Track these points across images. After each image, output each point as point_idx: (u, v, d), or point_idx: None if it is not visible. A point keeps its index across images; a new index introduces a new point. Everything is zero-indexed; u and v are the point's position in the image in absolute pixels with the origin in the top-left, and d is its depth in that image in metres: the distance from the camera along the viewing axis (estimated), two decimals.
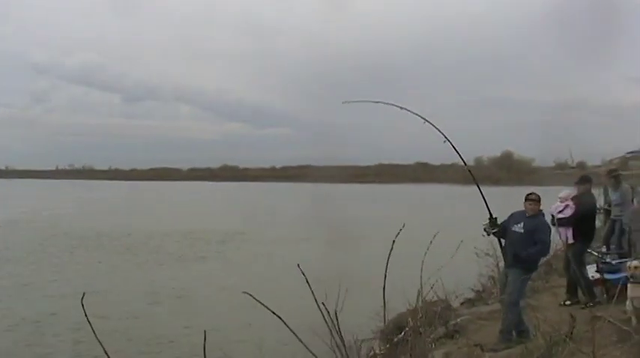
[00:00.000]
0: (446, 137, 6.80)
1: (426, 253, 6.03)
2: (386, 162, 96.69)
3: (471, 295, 11.35)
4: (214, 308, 12.54)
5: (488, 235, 7.07)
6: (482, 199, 6.94)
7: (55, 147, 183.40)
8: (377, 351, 7.58)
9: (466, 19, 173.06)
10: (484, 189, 6.98)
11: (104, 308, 11.47)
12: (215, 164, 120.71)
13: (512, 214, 6.93)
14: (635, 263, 6.05)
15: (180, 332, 10.52)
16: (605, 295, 7.87)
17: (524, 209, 6.82)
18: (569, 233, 8.22)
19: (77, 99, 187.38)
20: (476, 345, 6.70)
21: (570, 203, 8.28)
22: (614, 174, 10.69)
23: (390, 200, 40.39)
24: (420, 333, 7.00)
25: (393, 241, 4.69)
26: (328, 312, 4.20)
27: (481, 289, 11.38)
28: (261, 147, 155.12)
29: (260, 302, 4.12)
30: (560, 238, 8.15)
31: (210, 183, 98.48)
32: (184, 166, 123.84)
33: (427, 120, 6.83)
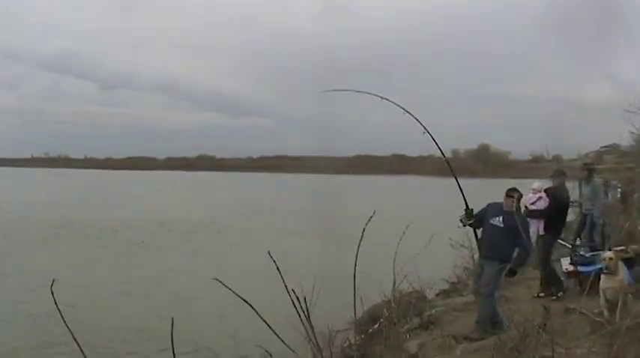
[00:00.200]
0: (425, 128, 6.80)
1: (398, 243, 6.03)
2: (362, 153, 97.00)
3: (446, 286, 11.42)
4: (187, 298, 12.40)
5: (464, 226, 7.09)
6: (460, 191, 6.95)
7: (29, 135, 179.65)
8: (352, 342, 7.56)
9: (442, 14, 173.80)
10: (461, 181, 7.00)
11: (73, 297, 11.29)
12: (192, 154, 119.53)
13: (488, 205, 6.94)
14: (608, 254, 6.11)
15: (151, 321, 10.38)
16: (578, 287, 7.96)
17: (501, 202, 6.83)
18: (541, 225, 8.30)
19: (52, 86, 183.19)
20: (450, 336, 6.72)
21: (543, 195, 8.35)
22: (588, 167, 10.83)
23: (368, 191, 40.44)
24: (395, 324, 7.03)
25: (363, 229, 4.67)
26: (298, 299, 4.15)
27: (456, 280, 11.45)
28: (237, 137, 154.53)
29: (231, 290, 4.05)
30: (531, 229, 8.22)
31: (186, 172, 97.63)
32: (161, 155, 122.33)
33: (407, 111, 6.83)
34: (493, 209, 6.84)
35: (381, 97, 7.00)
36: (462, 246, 10.51)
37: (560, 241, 9.89)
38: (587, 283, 6.40)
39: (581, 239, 10.49)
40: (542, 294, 8.19)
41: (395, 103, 6.91)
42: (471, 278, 8.87)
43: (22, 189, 47.38)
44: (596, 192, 10.53)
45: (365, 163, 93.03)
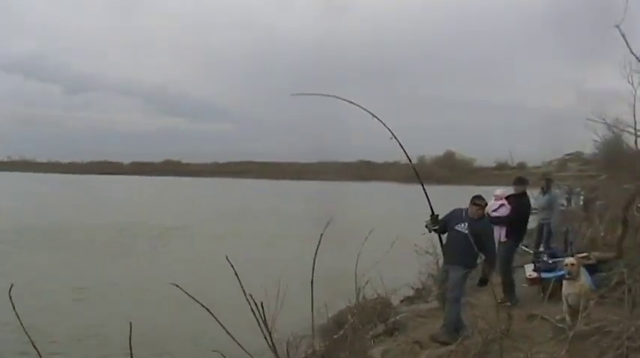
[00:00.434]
0: (393, 134, 6.81)
1: (360, 249, 5.97)
2: (328, 159, 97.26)
3: (411, 293, 11.47)
4: (147, 303, 12.13)
5: (430, 232, 7.10)
6: (425, 197, 6.96)
7: None
8: (316, 348, 7.48)
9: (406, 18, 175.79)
10: (427, 187, 7.02)
11: (30, 303, 10.87)
12: (157, 158, 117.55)
13: (453, 211, 6.96)
14: (570, 260, 6.17)
15: (110, 327, 10.15)
16: (542, 293, 8.04)
17: (466, 208, 6.85)
18: (503, 231, 8.38)
19: (14, 89, 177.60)
20: (415, 342, 6.71)
21: (505, 202, 8.44)
22: (546, 178, 11.12)
23: (334, 197, 40.46)
24: (359, 330, 6.98)
25: (321, 235, 4.60)
26: (256, 304, 4.05)
27: (421, 287, 11.50)
28: (202, 142, 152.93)
29: (188, 295, 3.94)
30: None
31: (151, 177, 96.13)
32: (126, 160, 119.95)
33: (375, 116, 6.82)
34: (457, 215, 6.87)
35: (350, 102, 6.99)
36: (427, 252, 10.56)
37: (524, 248, 10.06)
38: (550, 289, 6.48)
39: (541, 246, 10.73)
40: (507, 303, 8.23)
41: (363, 108, 6.90)
42: (436, 284, 8.90)
43: None
44: (552, 202, 10.84)
45: (330, 169, 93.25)
